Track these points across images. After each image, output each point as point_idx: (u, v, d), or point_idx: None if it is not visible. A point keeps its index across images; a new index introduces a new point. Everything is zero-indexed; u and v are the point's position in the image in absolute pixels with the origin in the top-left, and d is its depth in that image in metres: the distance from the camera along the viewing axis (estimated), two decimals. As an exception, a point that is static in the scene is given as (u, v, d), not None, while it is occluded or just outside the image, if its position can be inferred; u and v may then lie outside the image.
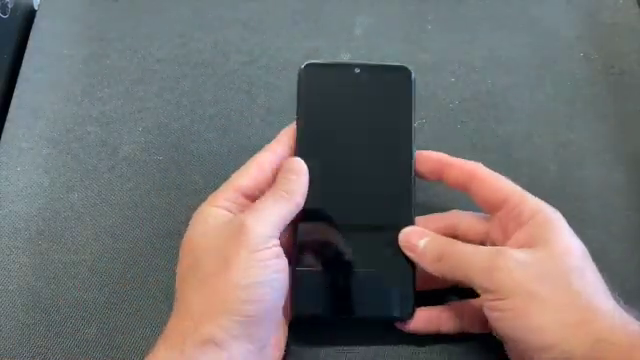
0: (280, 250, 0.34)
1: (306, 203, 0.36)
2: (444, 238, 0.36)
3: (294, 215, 0.35)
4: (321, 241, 0.37)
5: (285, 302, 0.35)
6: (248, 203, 0.36)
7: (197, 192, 0.44)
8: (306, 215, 0.36)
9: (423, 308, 0.37)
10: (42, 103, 0.48)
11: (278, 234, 0.34)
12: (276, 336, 0.35)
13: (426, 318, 0.37)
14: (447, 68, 0.50)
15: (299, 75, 0.39)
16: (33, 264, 0.41)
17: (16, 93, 0.48)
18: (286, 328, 0.36)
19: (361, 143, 0.38)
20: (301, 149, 0.37)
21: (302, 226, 0.37)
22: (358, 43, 0.51)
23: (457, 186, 0.38)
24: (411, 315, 0.36)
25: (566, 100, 0.48)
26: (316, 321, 0.38)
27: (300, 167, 0.36)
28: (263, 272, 0.32)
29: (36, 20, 0.52)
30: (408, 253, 0.36)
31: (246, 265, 0.32)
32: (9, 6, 0.51)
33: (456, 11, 0.53)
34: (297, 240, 0.36)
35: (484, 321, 0.36)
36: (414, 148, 0.38)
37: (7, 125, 0.47)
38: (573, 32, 0.52)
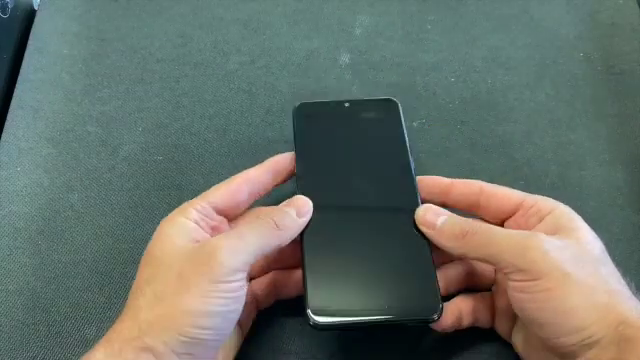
0: (243, 283, 0.33)
1: (313, 216, 0.36)
2: (463, 217, 0.36)
3: (274, 250, 0.34)
4: (331, 249, 0.36)
5: (244, 316, 0.35)
6: (219, 219, 0.36)
7: (197, 192, 0.44)
8: (312, 228, 0.36)
9: (448, 306, 0.36)
10: (42, 103, 0.48)
11: (249, 268, 0.33)
12: (223, 352, 0.35)
13: (452, 313, 0.36)
14: (447, 68, 0.50)
15: (293, 114, 0.40)
16: (33, 264, 0.41)
17: (16, 93, 0.48)
18: (240, 341, 0.37)
19: (361, 172, 0.38)
20: (302, 184, 0.37)
21: (308, 239, 0.36)
22: (358, 43, 0.51)
23: (463, 204, 0.37)
24: (440, 314, 0.33)
25: (566, 100, 0.48)
26: (334, 330, 0.37)
27: (306, 209, 0.36)
28: (222, 303, 0.32)
29: (36, 20, 0.52)
30: (424, 229, 0.35)
31: (206, 293, 0.31)
32: (9, 6, 0.51)
33: (456, 11, 0.53)
34: (304, 251, 0.35)
35: (492, 316, 0.36)
36: (415, 173, 0.38)
37: (7, 125, 0.47)
38: (573, 32, 0.52)
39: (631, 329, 0.30)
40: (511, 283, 0.33)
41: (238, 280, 0.32)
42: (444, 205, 0.38)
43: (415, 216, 0.36)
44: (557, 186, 0.44)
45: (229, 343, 0.36)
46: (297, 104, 0.41)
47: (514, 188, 0.37)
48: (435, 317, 0.33)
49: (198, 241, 0.34)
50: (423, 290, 0.34)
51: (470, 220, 0.35)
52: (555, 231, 0.34)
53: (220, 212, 0.36)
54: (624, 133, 0.47)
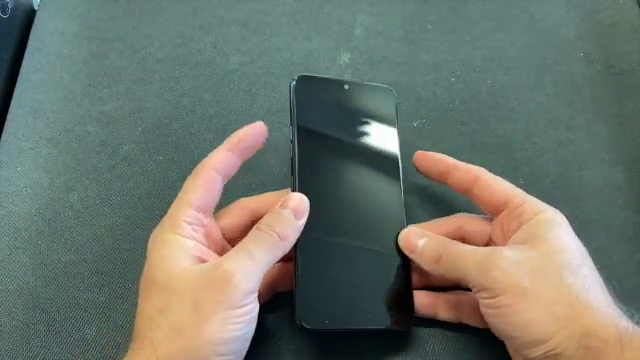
0: (256, 302, 0.33)
1: (309, 215, 0.35)
2: (442, 238, 0.37)
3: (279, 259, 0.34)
4: (321, 254, 0.36)
5: None
6: (209, 222, 0.35)
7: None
8: (306, 230, 0.35)
9: (421, 292, 0.38)
10: (42, 103, 0.48)
11: (259, 284, 0.33)
12: None
13: (423, 301, 0.37)
14: (447, 68, 0.50)
15: (291, 86, 0.39)
16: (33, 264, 0.41)
17: (16, 93, 0.48)
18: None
19: (352, 157, 0.39)
20: (300, 161, 0.37)
21: (302, 240, 0.36)
22: (358, 43, 0.51)
23: (460, 188, 0.39)
24: (410, 325, 0.37)
25: (566, 100, 0.49)
26: (317, 333, 0.38)
27: (302, 210, 0.35)
28: (240, 327, 0.32)
29: (36, 20, 0.52)
30: (408, 253, 0.37)
31: (224, 321, 0.31)
32: (9, 6, 0.51)
33: (456, 11, 0.53)
34: (298, 253, 0.36)
35: (482, 316, 0.36)
36: (402, 186, 0.39)
37: (7, 125, 0.47)
38: (573, 32, 0.52)
39: (596, 341, 0.30)
40: (480, 300, 0.34)
41: (252, 301, 0.33)
42: (443, 182, 0.39)
43: (398, 239, 0.37)
44: (557, 186, 0.45)
45: None
46: (296, 77, 0.39)
47: (513, 188, 0.37)
48: (407, 328, 0.37)
49: (202, 259, 0.34)
50: (400, 305, 0.37)
51: (446, 241, 0.36)
52: (527, 240, 0.34)
53: (204, 211, 0.35)
54: (624, 133, 0.47)
